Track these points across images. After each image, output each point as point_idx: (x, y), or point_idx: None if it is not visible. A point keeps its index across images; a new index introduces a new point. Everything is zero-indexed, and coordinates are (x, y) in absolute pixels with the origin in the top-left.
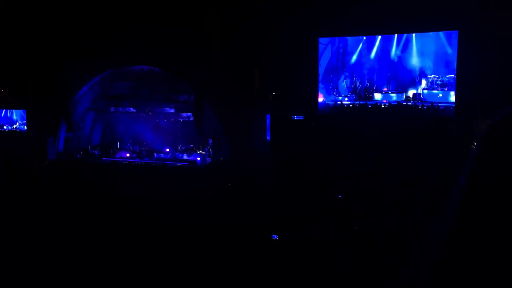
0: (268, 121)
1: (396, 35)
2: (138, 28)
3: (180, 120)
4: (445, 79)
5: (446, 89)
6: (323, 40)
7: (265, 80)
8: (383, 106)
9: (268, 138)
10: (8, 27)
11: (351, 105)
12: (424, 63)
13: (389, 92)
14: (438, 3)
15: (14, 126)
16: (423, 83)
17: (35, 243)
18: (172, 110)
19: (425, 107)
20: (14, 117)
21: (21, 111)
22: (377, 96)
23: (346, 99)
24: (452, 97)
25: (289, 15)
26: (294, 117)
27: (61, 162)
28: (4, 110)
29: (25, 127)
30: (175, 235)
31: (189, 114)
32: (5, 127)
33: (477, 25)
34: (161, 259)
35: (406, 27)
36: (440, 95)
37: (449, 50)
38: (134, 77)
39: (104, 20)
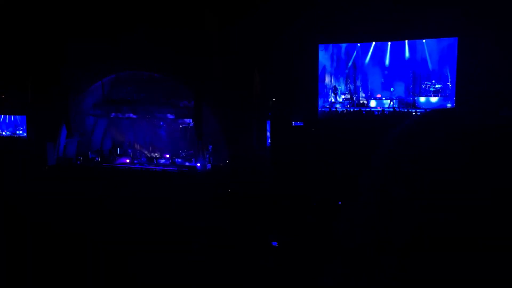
0: (268, 127)
1: (389, 42)
2: (139, 32)
3: (180, 126)
4: (438, 86)
5: (439, 95)
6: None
7: (265, 86)
8: (376, 112)
9: (268, 143)
10: (8, 32)
11: (345, 112)
12: (417, 70)
13: (383, 98)
14: (437, 10)
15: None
16: (417, 90)
17: (34, 245)
18: (172, 116)
19: (418, 113)
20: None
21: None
22: (372, 103)
23: (340, 105)
24: (444, 104)
25: (290, 21)
26: (294, 123)
27: (61, 167)
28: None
29: (20, 133)
30: (175, 241)
31: (189, 119)
32: (3, 133)
33: (477, 32)
34: (160, 263)
35: (406, 34)
36: (435, 99)
37: (441, 59)
38: (134, 82)
39: (104, 25)
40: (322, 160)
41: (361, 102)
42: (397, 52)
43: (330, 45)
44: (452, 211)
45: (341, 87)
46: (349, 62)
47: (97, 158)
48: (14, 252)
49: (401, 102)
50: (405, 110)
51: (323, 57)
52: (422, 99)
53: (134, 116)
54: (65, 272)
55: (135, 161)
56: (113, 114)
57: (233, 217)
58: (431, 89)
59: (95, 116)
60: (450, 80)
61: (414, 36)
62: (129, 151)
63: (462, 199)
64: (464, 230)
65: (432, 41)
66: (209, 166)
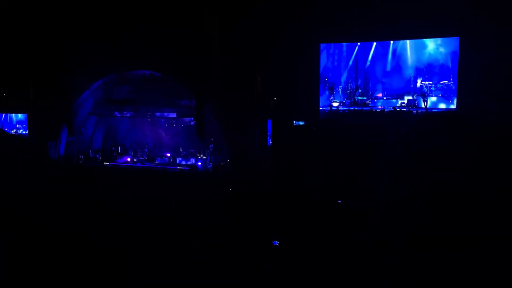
0: (269, 126)
1: (392, 41)
2: (139, 32)
3: (181, 125)
4: (439, 86)
5: (440, 95)
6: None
7: (267, 85)
8: (375, 111)
9: (269, 143)
10: (9, 31)
11: (346, 111)
12: (418, 70)
13: (384, 98)
14: (439, 9)
15: (13, 130)
16: (418, 89)
17: (34, 245)
18: (174, 115)
19: (419, 113)
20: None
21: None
22: (372, 102)
23: (341, 105)
24: (446, 104)
25: (290, 21)
26: (295, 123)
27: (62, 166)
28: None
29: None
30: (175, 241)
31: (190, 118)
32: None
33: (479, 31)
34: (160, 263)
35: (406, 33)
36: (436, 99)
37: (442, 58)
38: (135, 82)
39: (104, 25)
40: (323, 159)
41: (362, 101)
42: (399, 51)
43: (332, 44)
44: (452, 211)
45: (342, 86)
46: (349, 61)
47: (98, 157)
48: (14, 252)
49: (402, 101)
50: (406, 109)
51: (324, 57)
52: (423, 98)
53: (135, 115)
54: (65, 272)
55: (136, 160)
56: (114, 113)
57: (233, 217)
58: (432, 88)
59: (97, 115)
60: (452, 79)
61: (415, 35)
62: (130, 150)
63: (462, 199)
64: (464, 230)
65: (434, 40)
66: (210, 165)
